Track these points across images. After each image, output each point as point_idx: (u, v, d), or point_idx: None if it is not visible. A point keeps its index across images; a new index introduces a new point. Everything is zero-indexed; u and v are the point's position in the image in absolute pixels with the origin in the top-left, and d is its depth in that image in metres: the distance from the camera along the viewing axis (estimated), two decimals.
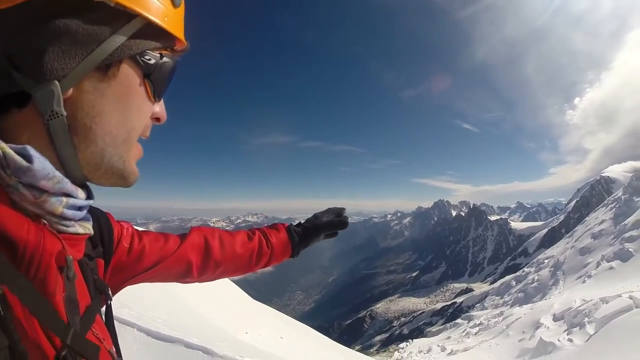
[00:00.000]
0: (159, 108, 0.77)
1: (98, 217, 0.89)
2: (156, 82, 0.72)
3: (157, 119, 0.78)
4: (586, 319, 14.20)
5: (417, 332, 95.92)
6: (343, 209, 1.48)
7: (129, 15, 0.63)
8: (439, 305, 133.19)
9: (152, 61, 0.69)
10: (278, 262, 1.39)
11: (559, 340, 13.85)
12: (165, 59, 0.72)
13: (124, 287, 1.04)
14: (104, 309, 0.84)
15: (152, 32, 0.67)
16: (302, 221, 1.45)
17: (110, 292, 0.82)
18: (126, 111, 0.68)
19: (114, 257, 0.94)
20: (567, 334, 14.25)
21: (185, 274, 1.18)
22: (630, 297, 12.13)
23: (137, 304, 6.56)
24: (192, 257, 1.16)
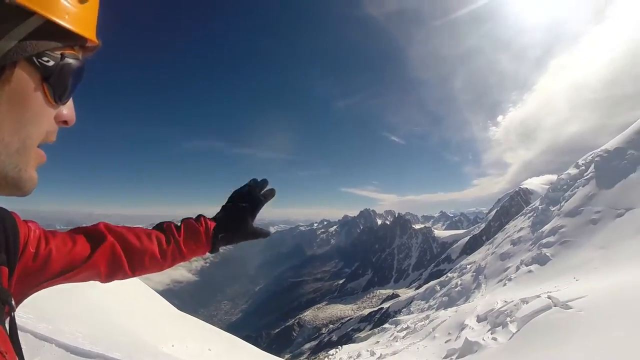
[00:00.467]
0: (66, 110, 0.70)
1: (3, 219, 0.83)
2: (56, 85, 0.64)
3: (65, 122, 0.71)
4: (508, 319, 14.76)
5: (346, 338, 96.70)
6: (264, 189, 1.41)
7: (24, 13, 0.56)
8: (366, 311, 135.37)
9: (51, 63, 0.61)
10: (194, 256, 1.31)
11: (483, 339, 14.32)
12: (67, 59, 0.64)
13: (31, 294, 0.94)
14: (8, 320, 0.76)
15: (53, 31, 0.60)
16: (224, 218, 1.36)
17: (13, 302, 0.77)
18: (21, 118, 0.60)
19: (20, 263, 0.86)
20: (491, 333, 14.76)
21: (93, 280, 1.10)
22: (549, 297, 12.76)
23: (56, 318, 5.88)
24: (101, 267, 1.07)
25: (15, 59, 0.57)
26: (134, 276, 1.19)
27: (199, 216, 1.34)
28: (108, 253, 1.08)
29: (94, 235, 1.08)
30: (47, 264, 0.91)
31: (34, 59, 0.59)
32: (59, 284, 0.98)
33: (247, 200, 1.37)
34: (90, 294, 9.29)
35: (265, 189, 1.41)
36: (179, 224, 1.31)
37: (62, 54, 0.63)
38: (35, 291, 0.93)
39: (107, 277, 1.10)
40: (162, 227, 1.28)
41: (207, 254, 1.35)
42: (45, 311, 5.62)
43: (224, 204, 1.40)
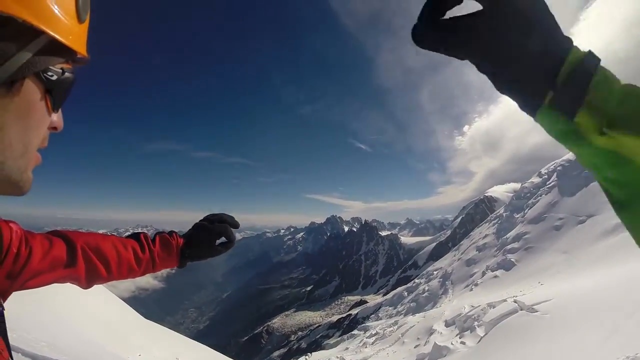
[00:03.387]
0: (56, 117, 0.74)
1: None
2: (56, 96, 0.69)
3: (55, 128, 0.75)
4: (476, 323, 15.02)
5: (315, 345, 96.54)
6: (229, 223, 1.44)
7: (35, 32, 0.60)
8: (334, 318, 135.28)
9: (54, 77, 0.66)
10: (164, 268, 1.39)
11: (452, 343, 14.51)
12: (67, 74, 0.69)
13: (10, 294, 0.96)
14: None
15: (56, 48, 0.65)
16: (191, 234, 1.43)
17: (1, 301, 0.81)
18: (27, 125, 0.65)
19: (3, 266, 0.90)
20: (460, 338, 14.97)
21: (72, 283, 1.14)
22: (515, 301, 13.06)
23: (18, 326, 5.59)
24: (80, 272, 1.11)
25: (27, 74, 0.62)
26: (110, 281, 1.23)
27: (171, 232, 1.41)
28: (84, 258, 1.11)
29: (70, 239, 1.10)
30: (27, 265, 0.93)
31: (41, 73, 0.64)
32: (38, 285, 1.01)
33: (216, 227, 1.42)
34: (54, 302, 8.92)
35: (225, 239, 1.44)
36: (152, 236, 1.37)
37: (62, 69, 0.68)
38: (16, 290, 0.94)
39: (87, 282, 1.15)
40: (138, 236, 1.33)
41: (175, 268, 1.43)
42: (8, 319, 5.31)
43: (195, 222, 1.46)
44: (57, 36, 0.62)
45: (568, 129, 0.49)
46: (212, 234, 1.41)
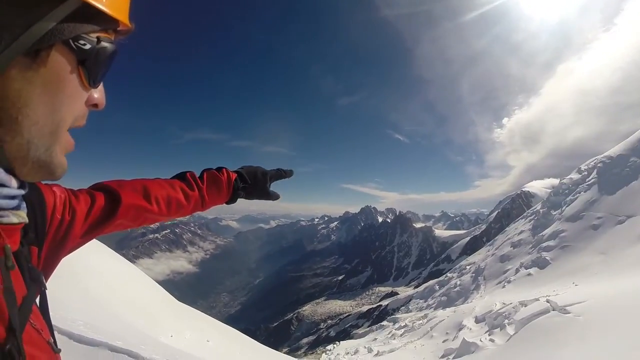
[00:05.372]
0: (98, 94, 0.70)
1: (31, 199, 0.80)
2: (92, 68, 0.64)
3: (95, 105, 0.71)
4: (506, 321, 14.77)
5: (344, 334, 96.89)
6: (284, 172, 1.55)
7: None
8: (364, 308, 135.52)
9: (88, 46, 0.61)
10: (214, 205, 1.39)
11: (481, 340, 14.34)
12: (103, 43, 0.64)
13: (61, 259, 0.95)
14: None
15: (90, 14, 0.59)
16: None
17: (44, 279, 0.77)
18: (56, 101, 0.60)
19: (48, 236, 0.86)
20: (489, 335, 14.78)
21: (136, 219, 1.15)
22: (548, 301, 12.75)
23: (55, 306, 5.86)
24: (126, 220, 1.11)
25: (53, 41, 0.56)
26: (160, 219, 1.25)
27: (220, 167, 1.41)
28: (130, 206, 1.11)
29: (114, 190, 1.10)
30: (71, 228, 0.92)
31: (71, 41, 0.59)
32: (85, 243, 1.02)
33: (271, 170, 1.51)
34: (88, 284, 9.31)
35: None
36: (200, 174, 1.37)
37: (98, 37, 0.63)
38: (65, 255, 0.95)
39: (137, 224, 1.17)
40: (185, 175, 1.33)
41: (224, 203, 1.43)
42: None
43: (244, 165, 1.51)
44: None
45: None
46: (267, 173, 1.47)
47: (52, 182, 0.72)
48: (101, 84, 0.70)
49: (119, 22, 0.65)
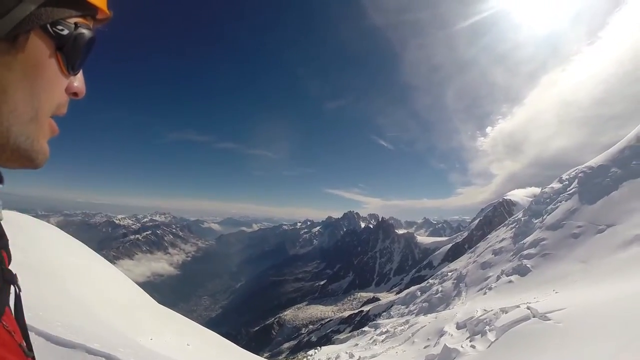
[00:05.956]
0: (77, 82, 0.67)
1: None
2: (70, 54, 0.63)
3: (75, 94, 0.68)
4: (487, 327, 14.90)
5: (325, 340, 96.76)
6: None
7: None
8: (346, 314, 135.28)
9: (65, 32, 0.61)
10: None
11: (462, 346, 14.44)
12: (81, 29, 0.63)
13: None
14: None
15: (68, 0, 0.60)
16: None
17: (19, 282, 0.76)
18: (34, 87, 0.60)
19: None
20: (470, 341, 14.88)
21: None
22: (528, 308, 12.90)
23: (35, 306, 5.74)
24: None
25: (31, 27, 0.56)
26: None
27: None
28: None
29: None
30: None
31: (49, 27, 0.59)
32: None
33: None
34: (67, 284, 9.12)
35: None
36: None
37: (75, 24, 0.62)
38: None
39: None
40: None
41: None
42: (24, 298, 5.46)
43: None
44: None
45: None
46: None
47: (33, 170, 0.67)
48: (81, 73, 0.67)
49: (98, 9, 0.64)
